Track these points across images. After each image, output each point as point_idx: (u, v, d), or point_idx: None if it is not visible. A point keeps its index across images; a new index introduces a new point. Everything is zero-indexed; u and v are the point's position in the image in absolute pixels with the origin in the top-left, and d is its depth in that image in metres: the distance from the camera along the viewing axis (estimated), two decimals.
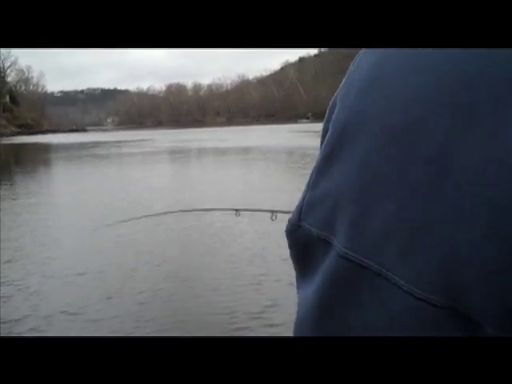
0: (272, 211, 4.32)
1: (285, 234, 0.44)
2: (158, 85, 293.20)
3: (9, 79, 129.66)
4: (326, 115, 0.44)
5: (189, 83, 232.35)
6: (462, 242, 0.32)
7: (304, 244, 0.42)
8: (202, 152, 32.39)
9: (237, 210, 4.63)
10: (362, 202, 0.38)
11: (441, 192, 0.33)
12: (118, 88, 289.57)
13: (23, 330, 4.97)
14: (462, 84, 0.33)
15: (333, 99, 0.44)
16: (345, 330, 0.38)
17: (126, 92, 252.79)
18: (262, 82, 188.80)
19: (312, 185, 0.42)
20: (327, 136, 0.42)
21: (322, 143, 0.43)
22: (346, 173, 0.39)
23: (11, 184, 17.96)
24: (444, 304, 0.34)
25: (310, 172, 0.43)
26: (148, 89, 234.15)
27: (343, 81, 0.44)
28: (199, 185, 15.17)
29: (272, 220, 4.25)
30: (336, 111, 0.42)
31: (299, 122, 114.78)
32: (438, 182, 0.34)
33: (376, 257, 0.36)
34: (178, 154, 31.27)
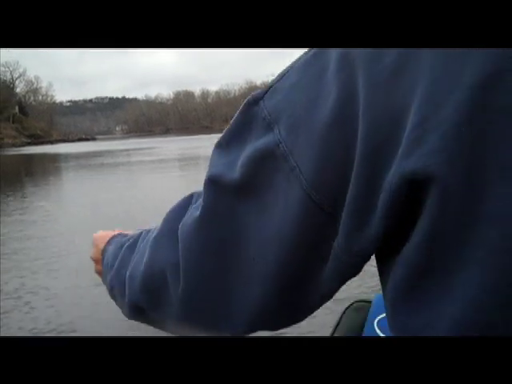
0: None
1: (242, 105, 0.50)
2: (166, 92, 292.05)
3: (18, 90, 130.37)
4: None
5: (197, 90, 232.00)
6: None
7: (252, 118, 0.48)
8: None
9: None
10: (302, 100, 0.44)
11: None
12: (127, 96, 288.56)
13: None
14: None
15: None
16: (255, 207, 0.47)
17: (134, 100, 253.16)
18: None
19: (283, 73, 0.48)
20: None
21: None
22: (304, 75, 0.45)
23: (22, 196, 17.88)
24: (328, 210, 0.42)
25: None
26: (156, 97, 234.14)
27: None
28: None
29: None
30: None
31: None
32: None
33: (295, 154, 0.43)
34: (187, 161, 31.16)
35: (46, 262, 7.96)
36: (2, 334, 5.10)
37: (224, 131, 0.52)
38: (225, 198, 0.49)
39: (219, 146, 0.53)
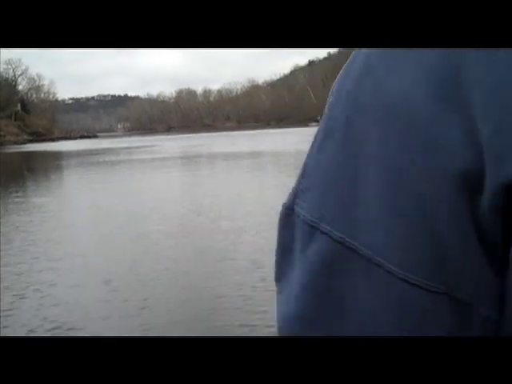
0: None
1: (278, 219, 0.44)
2: (168, 90, 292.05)
3: (20, 88, 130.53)
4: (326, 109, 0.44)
5: (199, 88, 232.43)
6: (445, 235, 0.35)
7: (294, 229, 0.42)
8: (213, 157, 32.27)
9: None
10: (353, 187, 0.38)
11: (430, 182, 0.35)
12: (129, 94, 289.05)
13: None
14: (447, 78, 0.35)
15: (330, 93, 0.44)
16: (341, 313, 0.38)
17: (136, 98, 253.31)
18: (272, 86, 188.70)
19: (303, 171, 0.43)
20: (320, 124, 0.43)
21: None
22: (334, 158, 0.40)
23: (23, 193, 17.92)
24: (439, 290, 0.35)
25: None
26: (158, 95, 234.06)
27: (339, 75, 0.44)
28: (214, 190, 15.03)
29: None
30: (329, 101, 0.43)
31: (310, 126, 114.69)
32: (429, 171, 0.34)
33: (368, 241, 0.37)
34: (189, 159, 31.20)
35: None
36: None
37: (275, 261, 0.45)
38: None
39: (276, 281, 0.45)
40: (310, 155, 0.43)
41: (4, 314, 5.66)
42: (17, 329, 5.26)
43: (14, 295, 6.33)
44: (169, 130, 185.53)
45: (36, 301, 6.14)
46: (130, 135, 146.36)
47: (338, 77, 0.43)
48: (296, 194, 0.43)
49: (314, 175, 0.41)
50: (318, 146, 0.42)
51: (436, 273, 0.35)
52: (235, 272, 6.81)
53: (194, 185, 17.37)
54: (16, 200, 15.40)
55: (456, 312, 0.35)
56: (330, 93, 0.44)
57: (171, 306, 5.73)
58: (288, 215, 0.43)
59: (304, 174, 0.42)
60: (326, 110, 0.43)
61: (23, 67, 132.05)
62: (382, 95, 0.37)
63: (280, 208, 0.42)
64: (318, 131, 0.43)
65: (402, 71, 0.37)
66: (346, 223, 0.38)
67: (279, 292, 0.43)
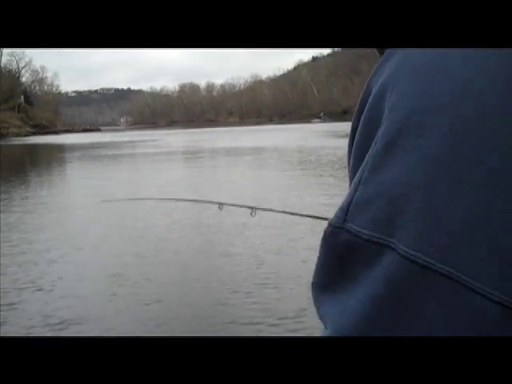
0: (252, 208, 4.63)
1: (322, 238, 0.40)
2: (172, 85, 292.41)
3: (23, 80, 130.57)
4: (358, 105, 0.41)
5: (202, 83, 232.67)
6: None
7: (348, 248, 0.38)
8: (216, 152, 32.34)
9: (220, 204, 4.80)
10: (433, 198, 0.33)
11: None
12: (132, 88, 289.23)
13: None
14: None
15: (365, 87, 0.41)
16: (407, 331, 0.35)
17: (139, 92, 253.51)
18: (275, 81, 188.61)
19: (363, 181, 0.38)
20: (382, 128, 0.38)
21: (352, 139, 0.41)
22: (410, 166, 0.35)
23: (26, 186, 18.01)
24: None
25: (347, 171, 0.40)
26: (161, 89, 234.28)
27: (376, 65, 0.41)
28: (215, 185, 15.12)
29: (252, 216, 4.55)
30: (389, 99, 0.38)
31: (312, 122, 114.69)
32: None
33: (447, 258, 0.33)
34: (191, 154, 31.29)
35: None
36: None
37: (317, 273, 0.41)
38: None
39: (323, 289, 0.41)
40: (369, 163, 0.38)
41: (11, 307, 5.75)
42: (24, 321, 5.35)
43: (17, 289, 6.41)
44: (171, 124, 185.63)
45: (42, 295, 6.22)
46: (132, 129, 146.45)
47: (379, 76, 0.39)
48: (349, 208, 0.38)
49: (377, 186, 0.37)
50: (382, 152, 0.37)
51: None
52: (239, 267, 6.89)
53: (198, 179, 17.44)
54: (18, 192, 15.49)
55: None
56: (366, 94, 0.40)
57: (177, 300, 5.81)
58: (337, 234, 0.39)
59: (363, 184, 0.38)
60: (369, 112, 0.39)
61: (27, 59, 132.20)
62: (465, 94, 0.34)
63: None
64: (381, 137, 0.37)
65: (477, 69, 0.34)
66: (422, 238, 0.34)
67: (330, 303, 0.39)
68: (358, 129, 0.41)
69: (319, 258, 0.40)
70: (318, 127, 73.50)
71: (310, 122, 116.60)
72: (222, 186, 14.91)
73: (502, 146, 0.32)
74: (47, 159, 33.69)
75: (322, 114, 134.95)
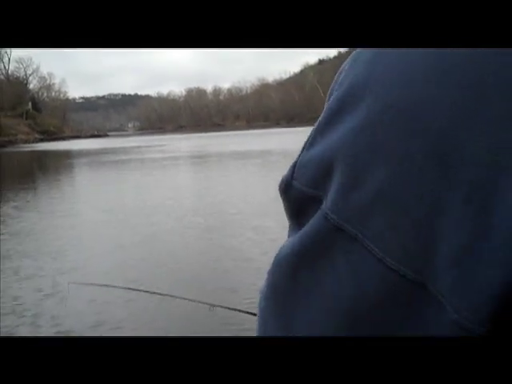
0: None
1: (279, 191, 0.45)
2: (178, 89, 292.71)
3: (31, 86, 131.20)
4: (331, 85, 0.44)
5: (209, 87, 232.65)
6: (440, 225, 0.33)
7: (296, 202, 0.43)
8: (223, 156, 32.34)
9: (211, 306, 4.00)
10: (354, 165, 0.37)
11: (438, 168, 0.33)
12: (139, 93, 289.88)
13: None
14: (472, 69, 0.33)
15: (337, 73, 0.44)
16: (315, 285, 0.39)
17: (146, 97, 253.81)
18: (282, 84, 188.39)
19: (308, 145, 0.43)
20: (329, 101, 0.42)
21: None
22: (343, 135, 0.39)
23: (34, 192, 18.06)
24: (414, 279, 0.34)
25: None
26: (168, 94, 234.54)
27: (348, 59, 0.43)
28: (223, 189, 15.10)
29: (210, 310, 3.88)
30: (340, 78, 0.42)
31: None
32: (438, 157, 0.33)
33: (356, 222, 0.36)
34: (198, 158, 31.30)
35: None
36: None
37: None
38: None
39: (289, 230, 0.46)
40: (315, 129, 0.43)
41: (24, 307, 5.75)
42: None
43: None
44: (179, 128, 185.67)
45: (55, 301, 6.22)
46: (140, 134, 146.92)
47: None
48: (295, 168, 0.43)
49: (318, 150, 0.42)
50: (323, 123, 0.42)
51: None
52: (250, 270, 6.86)
53: (206, 183, 17.44)
54: (27, 198, 15.53)
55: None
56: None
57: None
58: (287, 189, 0.44)
59: (307, 148, 0.43)
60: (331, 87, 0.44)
61: (34, 66, 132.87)
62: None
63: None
64: (325, 109, 0.43)
65: (416, 65, 0.36)
66: (337, 201, 0.38)
67: (288, 240, 0.44)
68: None
69: (284, 208, 0.45)
70: None
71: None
72: (230, 187, 14.89)
73: (420, 130, 0.34)
74: (56, 165, 33.77)
75: None
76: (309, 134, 0.43)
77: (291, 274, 0.41)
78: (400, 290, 0.34)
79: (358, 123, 0.38)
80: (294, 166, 0.43)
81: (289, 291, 0.41)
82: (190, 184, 17.91)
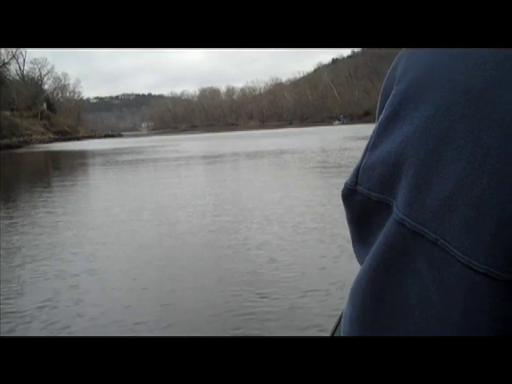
0: None
1: (342, 198, 0.43)
2: (192, 89, 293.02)
3: (46, 87, 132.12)
4: (383, 84, 0.43)
5: (222, 87, 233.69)
6: None
7: (361, 208, 0.41)
8: (238, 155, 32.35)
9: None
10: (426, 165, 0.35)
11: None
12: (153, 93, 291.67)
13: None
14: None
15: (388, 72, 0.43)
16: (400, 297, 0.36)
17: (160, 97, 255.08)
18: (296, 84, 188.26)
19: (371, 147, 0.40)
20: (389, 98, 0.40)
21: (379, 113, 0.42)
22: (409, 134, 0.36)
23: (50, 191, 18.15)
24: (506, 278, 0.31)
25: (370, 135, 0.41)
26: (182, 93, 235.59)
27: (398, 55, 0.42)
28: (239, 188, 15.11)
29: None
30: (399, 73, 0.40)
31: (334, 125, 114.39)
32: None
33: (434, 225, 0.34)
34: (212, 158, 31.33)
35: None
36: None
37: None
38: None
39: (353, 240, 0.45)
40: (377, 130, 0.41)
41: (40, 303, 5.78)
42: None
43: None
44: (192, 128, 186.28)
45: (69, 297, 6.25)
46: (153, 134, 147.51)
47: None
48: (359, 172, 0.41)
49: (382, 151, 0.39)
50: (385, 122, 0.40)
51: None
52: (260, 269, 6.86)
53: (220, 183, 17.44)
54: (43, 198, 15.63)
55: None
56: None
57: (194, 301, 5.80)
58: (351, 194, 0.42)
59: (370, 150, 0.41)
60: (385, 82, 0.42)
61: (49, 67, 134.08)
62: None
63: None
64: (386, 107, 0.40)
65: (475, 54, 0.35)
66: (412, 204, 0.36)
67: (361, 252, 0.43)
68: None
69: (346, 214, 0.44)
70: (338, 129, 73.19)
71: (331, 124, 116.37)
72: (244, 187, 14.88)
73: (492, 122, 0.32)
74: (71, 165, 33.96)
75: (341, 115, 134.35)
76: (371, 134, 0.41)
77: (376, 295, 0.38)
78: (490, 292, 0.32)
79: (424, 120, 0.35)
80: (358, 169, 0.41)
81: (377, 312, 0.38)
82: (207, 183, 17.92)
